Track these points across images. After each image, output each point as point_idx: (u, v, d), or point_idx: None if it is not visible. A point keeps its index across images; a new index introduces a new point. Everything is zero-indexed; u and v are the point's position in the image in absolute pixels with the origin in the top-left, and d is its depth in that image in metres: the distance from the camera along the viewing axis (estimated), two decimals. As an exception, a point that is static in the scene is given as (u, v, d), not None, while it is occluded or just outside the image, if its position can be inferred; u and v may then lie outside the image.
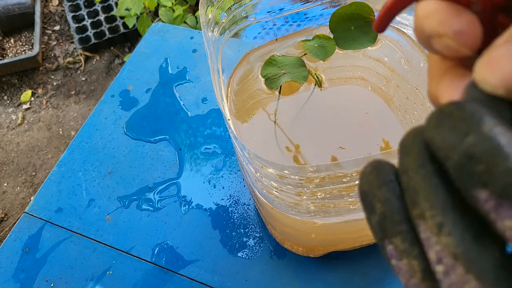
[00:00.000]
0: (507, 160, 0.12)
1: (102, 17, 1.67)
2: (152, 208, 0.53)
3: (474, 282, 0.13)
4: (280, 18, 0.46)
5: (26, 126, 1.51)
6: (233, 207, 0.52)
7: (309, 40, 0.45)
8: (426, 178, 0.15)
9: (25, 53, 1.66)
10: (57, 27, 1.76)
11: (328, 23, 0.44)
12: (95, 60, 1.65)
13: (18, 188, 1.38)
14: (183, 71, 0.64)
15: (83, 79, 1.62)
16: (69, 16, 1.68)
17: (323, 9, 0.46)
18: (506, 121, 0.14)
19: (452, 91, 0.16)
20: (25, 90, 1.60)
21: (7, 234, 0.54)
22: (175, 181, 0.54)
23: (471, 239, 0.13)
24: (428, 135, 0.15)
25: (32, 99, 1.58)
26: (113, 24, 1.64)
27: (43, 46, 1.69)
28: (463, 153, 0.13)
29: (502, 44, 0.14)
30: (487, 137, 0.13)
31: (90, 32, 1.64)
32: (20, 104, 1.57)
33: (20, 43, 1.70)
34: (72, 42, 1.71)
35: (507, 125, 0.13)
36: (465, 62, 0.17)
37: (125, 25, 1.63)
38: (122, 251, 0.50)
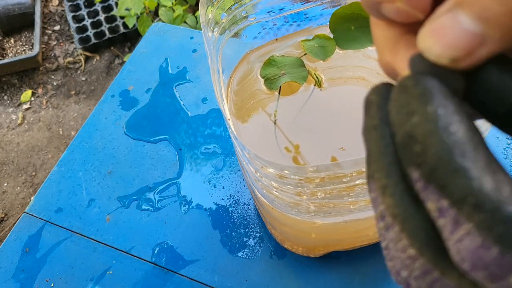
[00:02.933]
0: (440, 144, 0.13)
1: (102, 17, 1.67)
2: (152, 208, 0.53)
3: (406, 240, 0.14)
4: (280, 18, 0.46)
5: (26, 126, 1.52)
6: (233, 207, 0.52)
7: (309, 40, 0.45)
8: (377, 141, 0.15)
9: (25, 53, 1.66)
10: (57, 27, 1.76)
11: (328, 23, 0.44)
12: (95, 60, 1.65)
13: (18, 188, 1.38)
14: (183, 71, 0.64)
15: (83, 79, 1.62)
16: (69, 16, 1.68)
17: (323, 9, 0.46)
18: (455, 95, 0.14)
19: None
20: (25, 90, 1.60)
21: (7, 234, 0.54)
22: (175, 181, 0.54)
23: (409, 202, 0.14)
24: (388, 107, 0.15)
25: (32, 99, 1.58)
26: (113, 24, 1.64)
27: (43, 46, 1.69)
28: (406, 132, 0.14)
29: (445, 12, 0.14)
30: (429, 119, 0.13)
31: (90, 32, 1.64)
32: (20, 104, 1.57)
33: (20, 43, 1.70)
34: (72, 42, 1.71)
35: (456, 104, 0.14)
36: (412, 29, 0.17)
37: (125, 25, 1.63)
38: (122, 251, 0.50)
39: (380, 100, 0.15)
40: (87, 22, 1.66)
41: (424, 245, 0.14)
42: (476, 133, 0.13)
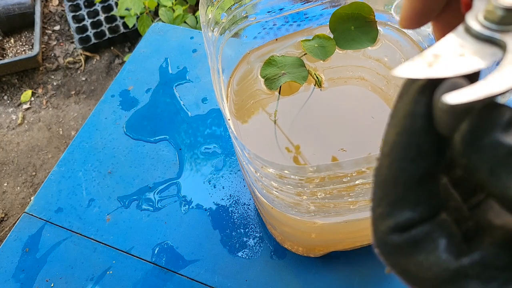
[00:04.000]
0: None
1: (102, 17, 1.66)
2: (152, 208, 0.53)
3: None
4: (280, 18, 0.46)
5: (26, 126, 1.51)
6: (233, 207, 0.52)
7: (309, 40, 0.45)
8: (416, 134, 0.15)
9: (25, 53, 1.66)
10: (57, 27, 1.76)
11: (328, 23, 0.44)
12: (95, 60, 1.65)
13: (18, 188, 1.38)
14: (183, 71, 0.64)
15: (83, 79, 1.62)
16: (69, 16, 1.68)
17: (323, 9, 0.46)
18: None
19: None
20: (25, 90, 1.60)
21: (7, 234, 0.54)
22: (175, 181, 0.54)
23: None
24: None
25: (32, 99, 1.58)
26: (113, 24, 1.64)
27: (43, 46, 1.69)
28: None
29: None
30: None
31: (90, 32, 1.64)
32: (20, 104, 1.57)
33: (20, 43, 1.70)
34: (72, 42, 1.71)
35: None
36: None
37: (125, 25, 1.62)
38: (122, 251, 0.50)
39: (426, 101, 0.15)
40: (87, 22, 1.66)
41: None
42: None
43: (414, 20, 0.19)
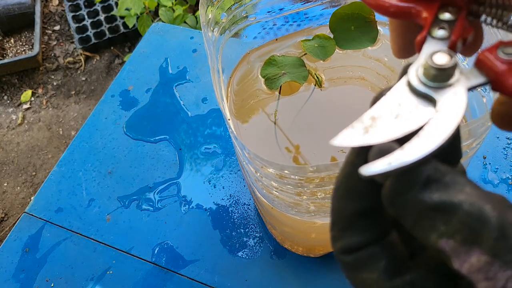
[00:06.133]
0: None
1: (102, 17, 1.66)
2: (152, 208, 0.53)
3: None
4: (280, 18, 0.46)
5: (26, 126, 1.51)
6: (233, 207, 0.52)
7: (309, 40, 0.45)
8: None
9: (25, 53, 1.66)
10: (57, 27, 1.76)
11: (328, 23, 0.44)
12: (95, 60, 1.65)
13: (18, 188, 1.38)
14: (183, 71, 0.64)
15: (83, 79, 1.62)
16: (69, 16, 1.68)
17: (323, 9, 0.46)
18: None
19: None
20: (25, 90, 1.60)
21: (7, 234, 0.54)
22: (175, 181, 0.54)
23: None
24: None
25: (32, 99, 1.58)
26: (113, 24, 1.64)
27: (43, 46, 1.69)
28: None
29: None
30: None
31: (90, 32, 1.64)
32: (20, 104, 1.57)
33: (20, 43, 1.70)
34: (72, 42, 1.71)
35: None
36: None
37: (125, 25, 1.62)
38: (122, 251, 0.50)
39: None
40: (87, 22, 1.66)
41: None
42: None
43: (402, 53, 0.22)
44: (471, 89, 0.17)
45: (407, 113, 0.16)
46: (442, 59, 0.16)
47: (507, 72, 0.16)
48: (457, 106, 0.16)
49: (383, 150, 0.15)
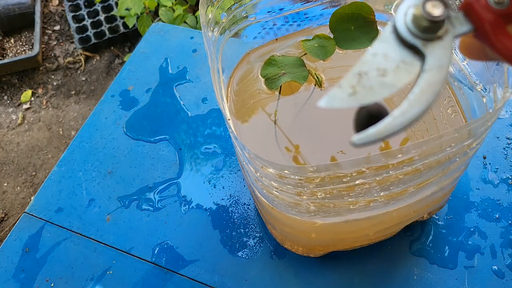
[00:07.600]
0: None
1: (102, 17, 1.66)
2: (152, 208, 0.53)
3: None
4: (280, 18, 0.46)
5: (26, 126, 1.51)
6: (233, 207, 0.52)
7: (309, 40, 0.45)
8: None
9: (25, 53, 1.66)
10: (57, 27, 1.76)
11: (328, 23, 0.44)
12: (95, 60, 1.65)
13: (18, 188, 1.38)
14: (183, 71, 0.64)
15: (83, 79, 1.62)
16: (69, 16, 1.68)
17: (323, 9, 0.46)
18: None
19: None
20: (25, 90, 1.60)
21: (7, 234, 0.54)
22: (175, 181, 0.54)
23: None
24: None
25: (32, 99, 1.58)
26: (113, 24, 1.64)
27: (43, 46, 1.69)
28: None
29: None
30: None
31: (90, 32, 1.64)
32: (20, 104, 1.57)
33: (20, 43, 1.70)
34: (72, 42, 1.71)
35: None
36: None
37: (125, 25, 1.62)
38: (122, 251, 0.50)
39: None
40: (87, 22, 1.66)
41: None
42: None
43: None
44: (456, 37, 0.16)
45: (394, 70, 0.16)
46: (436, 10, 0.15)
47: (494, 23, 0.15)
48: (445, 64, 0.15)
49: (373, 115, 0.15)
